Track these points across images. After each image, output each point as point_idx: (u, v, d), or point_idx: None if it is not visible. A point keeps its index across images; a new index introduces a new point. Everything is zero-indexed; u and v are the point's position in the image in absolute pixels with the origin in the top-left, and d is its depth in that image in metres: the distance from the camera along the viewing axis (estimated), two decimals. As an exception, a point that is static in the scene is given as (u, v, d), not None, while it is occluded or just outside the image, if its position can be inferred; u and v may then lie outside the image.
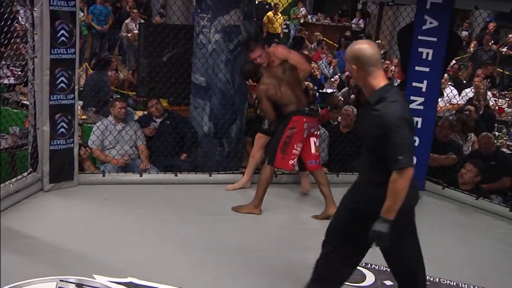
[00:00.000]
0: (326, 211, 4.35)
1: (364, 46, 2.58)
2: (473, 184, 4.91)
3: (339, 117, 6.10)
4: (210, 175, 4.99)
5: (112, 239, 3.78)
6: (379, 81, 2.57)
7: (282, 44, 6.81)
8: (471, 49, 11.38)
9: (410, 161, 2.56)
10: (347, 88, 7.75)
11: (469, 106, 6.55)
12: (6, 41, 5.82)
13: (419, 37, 4.93)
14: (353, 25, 14.49)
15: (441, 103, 6.17)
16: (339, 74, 9.47)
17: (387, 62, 8.76)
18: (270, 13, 12.82)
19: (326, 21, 15.09)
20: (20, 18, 8.06)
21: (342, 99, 7.37)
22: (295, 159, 4.32)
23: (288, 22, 14.34)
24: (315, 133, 4.40)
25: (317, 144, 4.42)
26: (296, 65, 4.55)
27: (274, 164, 4.31)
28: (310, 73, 8.66)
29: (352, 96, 7.41)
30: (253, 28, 5.33)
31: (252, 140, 5.58)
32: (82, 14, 9.96)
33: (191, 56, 5.28)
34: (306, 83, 7.54)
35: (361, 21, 14.70)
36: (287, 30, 14.29)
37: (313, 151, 4.36)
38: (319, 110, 6.07)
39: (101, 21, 10.73)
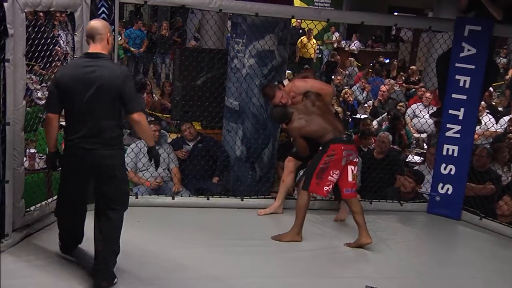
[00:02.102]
0: (359, 240, 4.30)
1: (91, 22, 3.48)
2: (512, 217, 4.78)
3: (372, 143, 6.06)
4: (242, 199, 4.99)
5: (141, 261, 3.79)
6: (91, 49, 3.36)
7: (311, 70, 6.81)
8: (509, 76, 11.19)
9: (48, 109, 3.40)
10: (386, 115, 7.69)
11: (510, 134, 6.41)
12: (47, 64, 6.01)
13: (457, 65, 4.88)
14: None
15: (479, 131, 6.04)
16: (372, 100, 9.41)
17: (423, 89, 8.69)
18: (303, 38, 12.91)
19: (360, 46, 15.12)
20: (61, 41, 8.33)
21: (375, 126, 7.32)
22: (330, 186, 4.29)
23: (321, 47, 14.40)
24: (354, 160, 4.35)
25: (355, 172, 4.37)
26: (319, 92, 4.55)
27: (308, 189, 4.29)
28: (344, 99, 8.67)
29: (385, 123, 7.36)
30: (288, 53, 5.37)
31: (284, 164, 5.58)
32: (120, 38, 10.22)
33: (225, 80, 5.35)
34: (337, 108, 7.54)
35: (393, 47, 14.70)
36: (320, 55, 14.34)
37: (350, 179, 4.32)
38: (352, 135, 6.03)
39: (137, 45, 10.99)
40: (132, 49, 10.84)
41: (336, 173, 4.26)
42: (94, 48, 3.34)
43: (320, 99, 4.53)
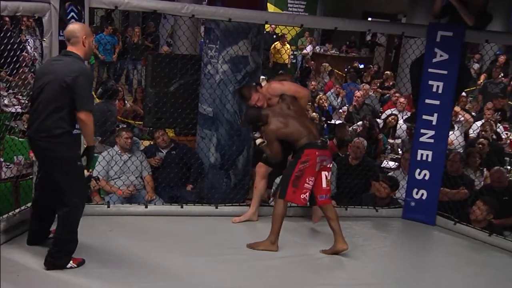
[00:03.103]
0: (335, 247, 4.33)
1: (69, 25, 3.68)
2: (486, 222, 4.87)
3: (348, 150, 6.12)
4: (216, 207, 4.98)
5: (115, 272, 3.75)
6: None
7: (289, 74, 6.85)
8: (481, 81, 11.43)
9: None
10: (361, 122, 7.76)
11: (481, 139, 6.54)
12: (14, 70, 5.92)
13: (429, 70, 4.96)
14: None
15: (451, 136, 6.15)
16: (347, 106, 9.51)
17: (397, 94, 8.81)
18: (277, 44, 12.95)
19: (334, 51, 15.27)
20: (28, 47, 8.20)
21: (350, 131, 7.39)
22: (307, 193, 4.29)
23: (295, 53, 14.50)
24: (328, 166, 4.38)
25: (329, 178, 4.39)
26: (294, 95, 4.57)
27: (285, 198, 4.30)
28: (319, 104, 8.74)
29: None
30: (262, 59, 5.40)
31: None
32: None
33: (199, 86, 5.34)
34: (313, 113, 7.60)
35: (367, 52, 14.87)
36: (294, 61, 14.44)
37: (324, 185, 4.34)
38: (328, 141, 6.08)
39: (107, 50, 10.89)
40: (100, 56, 10.75)
41: (312, 179, 4.28)
42: (69, 48, 3.55)
43: (296, 103, 4.53)
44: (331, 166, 4.45)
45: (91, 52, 3.69)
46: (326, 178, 4.35)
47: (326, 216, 4.40)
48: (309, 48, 14.59)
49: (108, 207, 4.77)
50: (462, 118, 7.33)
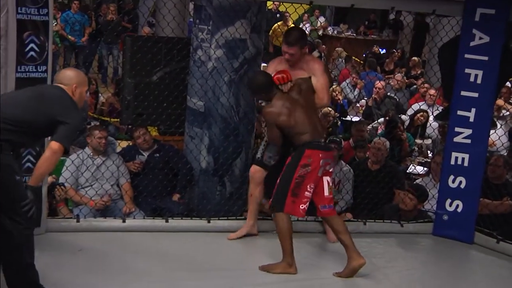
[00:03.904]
0: (350, 264, 4.31)
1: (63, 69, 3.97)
2: (535, 238, 4.87)
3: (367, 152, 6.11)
4: (209, 221, 4.98)
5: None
6: None
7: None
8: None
9: None
10: (383, 119, 7.78)
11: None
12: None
13: (466, 56, 4.96)
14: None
15: (493, 136, 6.16)
16: (365, 99, 9.52)
17: (426, 85, 8.82)
18: (278, 24, 12.93)
19: (350, 33, 15.29)
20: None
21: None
22: (307, 204, 4.28)
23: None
24: (330, 170, 4.39)
25: (331, 184, 4.41)
26: (315, 89, 4.57)
27: (283, 210, 4.29)
28: (332, 97, 8.74)
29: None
30: (263, 43, 5.40)
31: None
32: (55, 23, 10.13)
33: (187, 75, 5.34)
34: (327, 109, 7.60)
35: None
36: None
37: (326, 193, 4.34)
38: (342, 142, 6.08)
39: (76, 31, 10.90)
40: (69, 37, 10.75)
41: (312, 186, 4.28)
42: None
43: (311, 95, 4.53)
44: (333, 170, 4.49)
45: (82, 103, 3.82)
46: (328, 184, 4.36)
47: (333, 230, 4.41)
48: (321, 20, 14.58)
49: (78, 221, 4.75)
50: (507, 113, 7.34)
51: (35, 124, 3.51)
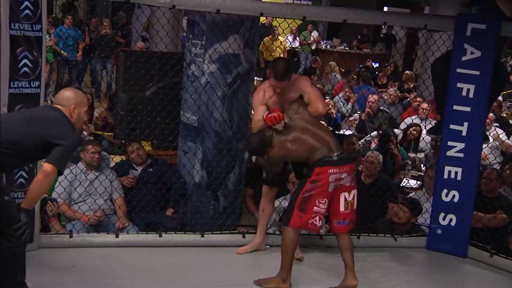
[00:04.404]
0: (344, 282, 4.33)
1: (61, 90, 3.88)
2: (529, 252, 4.88)
3: (360, 166, 6.12)
4: (202, 236, 4.97)
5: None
6: None
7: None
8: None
9: None
10: (376, 132, 7.81)
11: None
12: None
13: (458, 70, 5.00)
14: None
15: (486, 150, 6.18)
16: (358, 113, 9.54)
17: (419, 99, 8.85)
18: (267, 39, 12.95)
19: (343, 48, 15.36)
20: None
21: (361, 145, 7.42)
22: (317, 218, 4.28)
23: (297, 50, 14.57)
24: (347, 185, 4.33)
25: (350, 199, 4.36)
26: (309, 102, 4.55)
27: (289, 224, 4.28)
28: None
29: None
30: (256, 58, 5.42)
31: (253, 192, 5.59)
32: (48, 38, 10.15)
33: (181, 90, 5.35)
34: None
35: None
36: (295, 59, 14.49)
37: (341, 209, 4.33)
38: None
39: (69, 46, 10.91)
40: (62, 52, 10.76)
41: (323, 202, 4.27)
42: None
43: (305, 108, 4.50)
44: (353, 185, 4.39)
45: (81, 124, 3.82)
46: (346, 200, 4.34)
47: (339, 246, 4.41)
48: (315, 34, 14.63)
49: (71, 236, 4.74)
50: (494, 133, 7.37)
51: (28, 146, 3.47)
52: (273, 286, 4.30)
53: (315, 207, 4.26)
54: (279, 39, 12.96)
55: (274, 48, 12.87)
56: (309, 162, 4.34)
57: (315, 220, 4.28)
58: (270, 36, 12.96)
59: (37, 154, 3.58)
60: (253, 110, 4.62)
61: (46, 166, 3.42)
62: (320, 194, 4.25)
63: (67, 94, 3.72)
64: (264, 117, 4.37)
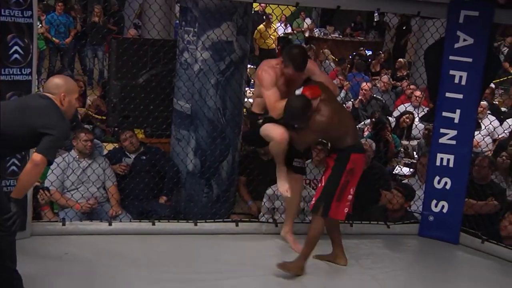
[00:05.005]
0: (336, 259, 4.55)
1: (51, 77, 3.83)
2: (519, 238, 4.91)
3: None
4: (196, 224, 4.98)
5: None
6: None
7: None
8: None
9: None
10: (369, 120, 7.83)
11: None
12: None
13: (451, 58, 5.00)
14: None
15: (478, 137, 6.20)
16: (352, 100, 9.55)
17: (412, 86, 8.86)
18: (261, 27, 12.91)
19: (337, 35, 15.33)
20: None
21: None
22: (348, 206, 4.37)
23: (290, 37, 14.54)
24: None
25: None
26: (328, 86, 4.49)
27: (328, 215, 4.32)
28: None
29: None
30: (249, 45, 5.41)
31: (246, 181, 5.59)
32: (40, 25, 10.09)
33: (174, 78, 5.34)
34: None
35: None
36: (289, 46, 14.43)
37: (350, 197, 4.39)
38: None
39: (61, 34, 10.87)
40: (54, 39, 10.70)
41: (353, 189, 4.35)
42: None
43: (334, 97, 4.50)
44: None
45: (72, 112, 3.72)
46: (353, 188, 4.40)
47: (330, 228, 4.48)
48: (308, 21, 14.58)
49: (64, 224, 4.74)
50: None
51: (18, 136, 3.42)
52: (294, 272, 4.33)
53: (349, 196, 4.33)
54: (273, 27, 12.93)
55: (268, 35, 12.84)
56: (339, 145, 4.30)
57: (346, 208, 4.35)
58: (264, 24, 12.93)
59: (27, 143, 3.55)
60: (265, 90, 4.37)
61: (35, 156, 3.38)
62: (354, 182, 4.33)
63: (57, 81, 3.65)
64: (302, 89, 4.23)
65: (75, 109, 3.82)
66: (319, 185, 4.41)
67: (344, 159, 4.27)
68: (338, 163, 4.30)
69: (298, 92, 4.25)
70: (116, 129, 6.21)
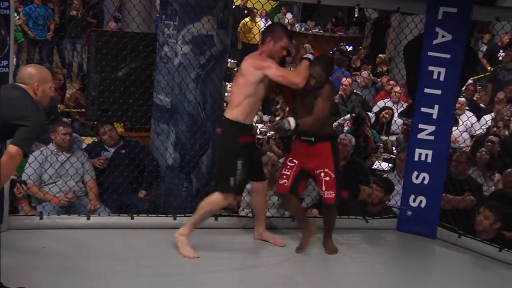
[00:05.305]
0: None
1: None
2: (494, 232, 4.97)
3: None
4: (175, 218, 4.97)
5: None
6: None
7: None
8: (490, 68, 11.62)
9: None
10: (349, 115, 7.88)
11: (491, 137, 6.68)
12: None
13: (429, 54, 5.04)
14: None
15: (456, 132, 6.27)
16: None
17: (392, 82, 8.92)
18: (246, 20, 12.94)
19: (318, 30, 15.36)
20: None
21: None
22: None
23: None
24: None
25: None
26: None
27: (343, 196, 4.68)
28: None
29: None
30: (230, 39, 5.41)
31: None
32: (17, 17, 9.99)
33: (154, 71, 5.33)
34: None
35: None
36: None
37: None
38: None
39: (39, 26, 10.77)
40: (30, 32, 10.61)
41: None
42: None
43: None
44: None
45: (47, 101, 3.65)
46: None
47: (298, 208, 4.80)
48: (289, 16, 14.61)
49: (41, 218, 4.72)
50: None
51: None
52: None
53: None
54: (256, 21, 12.94)
55: (252, 29, 12.84)
56: (328, 129, 4.60)
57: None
58: (249, 18, 12.93)
59: (2, 135, 3.48)
60: (276, 70, 4.31)
61: (11, 148, 3.34)
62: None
63: (30, 71, 3.58)
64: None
65: (49, 98, 3.73)
66: (326, 178, 4.53)
67: (337, 148, 4.65)
68: (335, 153, 4.58)
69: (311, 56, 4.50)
70: (95, 122, 6.18)
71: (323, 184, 4.53)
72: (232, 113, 4.38)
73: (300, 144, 4.57)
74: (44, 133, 5.41)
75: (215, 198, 4.45)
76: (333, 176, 4.52)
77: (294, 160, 4.58)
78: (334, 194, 4.53)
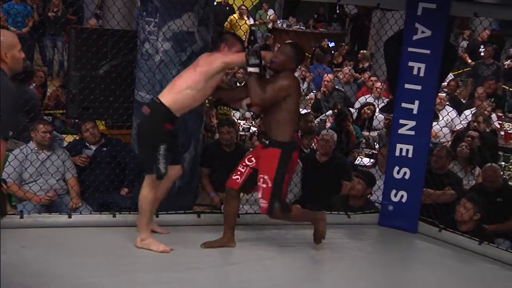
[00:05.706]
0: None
1: None
2: (474, 224, 5.03)
3: (314, 144, 6.21)
4: (157, 216, 4.96)
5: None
6: None
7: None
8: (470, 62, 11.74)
9: None
10: (331, 111, 7.93)
11: (471, 132, 6.75)
12: None
13: (409, 49, 5.08)
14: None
15: (436, 127, 6.33)
16: (314, 92, 9.63)
17: (373, 78, 8.98)
18: (233, 17, 12.94)
19: (299, 27, 15.39)
20: None
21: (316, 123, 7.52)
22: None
23: (253, 28, 14.55)
24: None
25: None
26: None
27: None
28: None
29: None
30: (211, 36, 5.41)
31: (209, 172, 5.60)
32: (-4, 15, 9.93)
33: (135, 68, 5.31)
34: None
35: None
36: (252, 38, 14.46)
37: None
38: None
39: (18, 23, 10.69)
40: (11, 28, 10.53)
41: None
42: None
43: None
44: None
45: (19, 65, 3.44)
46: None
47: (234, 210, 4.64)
48: (270, 13, 14.63)
49: (21, 217, 4.69)
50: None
51: None
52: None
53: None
54: (244, 18, 12.92)
55: (239, 26, 12.83)
56: (280, 134, 4.33)
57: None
58: (236, 15, 12.91)
59: None
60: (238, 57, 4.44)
61: None
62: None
63: None
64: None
65: (21, 60, 3.47)
66: (263, 185, 4.34)
67: (287, 159, 4.34)
68: (282, 163, 4.32)
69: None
70: (76, 120, 6.16)
71: (259, 190, 4.37)
72: (168, 99, 4.29)
73: (259, 144, 4.58)
74: (21, 108, 5.23)
75: (144, 192, 4.44)
76: (270, 185, 4.30)
77: (253, 159, 4.49)
78: (267, 204, 4.33)
